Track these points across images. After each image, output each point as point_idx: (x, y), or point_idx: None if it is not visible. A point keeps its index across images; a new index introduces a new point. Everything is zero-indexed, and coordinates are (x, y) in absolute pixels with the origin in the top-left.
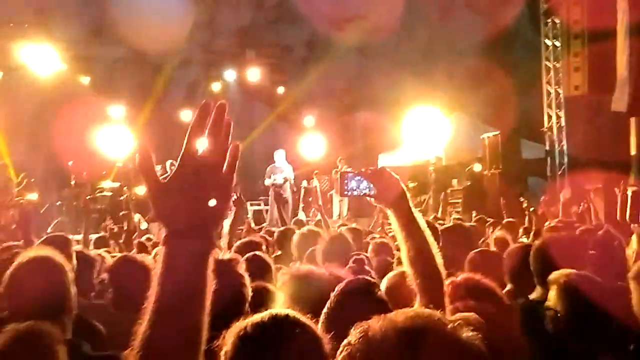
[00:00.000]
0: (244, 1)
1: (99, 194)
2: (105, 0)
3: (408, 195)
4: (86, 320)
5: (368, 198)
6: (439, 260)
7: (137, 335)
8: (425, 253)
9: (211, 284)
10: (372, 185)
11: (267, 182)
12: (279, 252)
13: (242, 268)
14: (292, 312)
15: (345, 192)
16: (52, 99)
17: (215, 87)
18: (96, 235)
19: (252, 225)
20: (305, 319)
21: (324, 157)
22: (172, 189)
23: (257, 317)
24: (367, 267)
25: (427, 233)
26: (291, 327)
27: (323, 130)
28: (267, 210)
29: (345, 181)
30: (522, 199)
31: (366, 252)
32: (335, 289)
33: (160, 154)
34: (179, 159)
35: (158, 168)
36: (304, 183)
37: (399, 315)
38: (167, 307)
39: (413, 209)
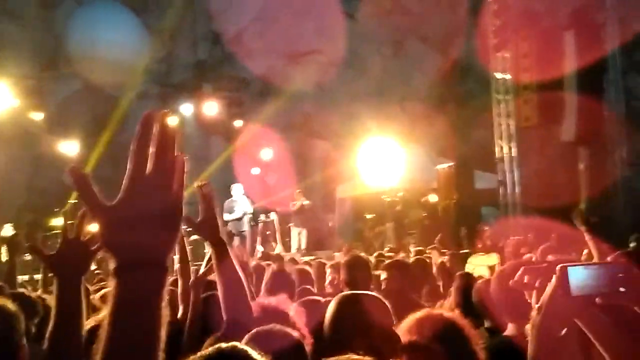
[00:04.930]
0: (201, 35)
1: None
2: (59, 33)
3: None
4: None
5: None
6: None
7: None
8: None
9: (166, 318)
10: None
11: (227, 217)
12: None
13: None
14: (238, 344)
15: None
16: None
17: (172, 121)
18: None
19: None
20: (252, 351)
21: (282, 189)
22: (120, 215)
23: (203, 352)
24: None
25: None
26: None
27: (281, 163)
28: None
29: None
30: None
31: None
32: None
33: (116, 189)
34: (125, 180)
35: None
36: (262, 217)
37: None
38: (121, 346)
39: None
